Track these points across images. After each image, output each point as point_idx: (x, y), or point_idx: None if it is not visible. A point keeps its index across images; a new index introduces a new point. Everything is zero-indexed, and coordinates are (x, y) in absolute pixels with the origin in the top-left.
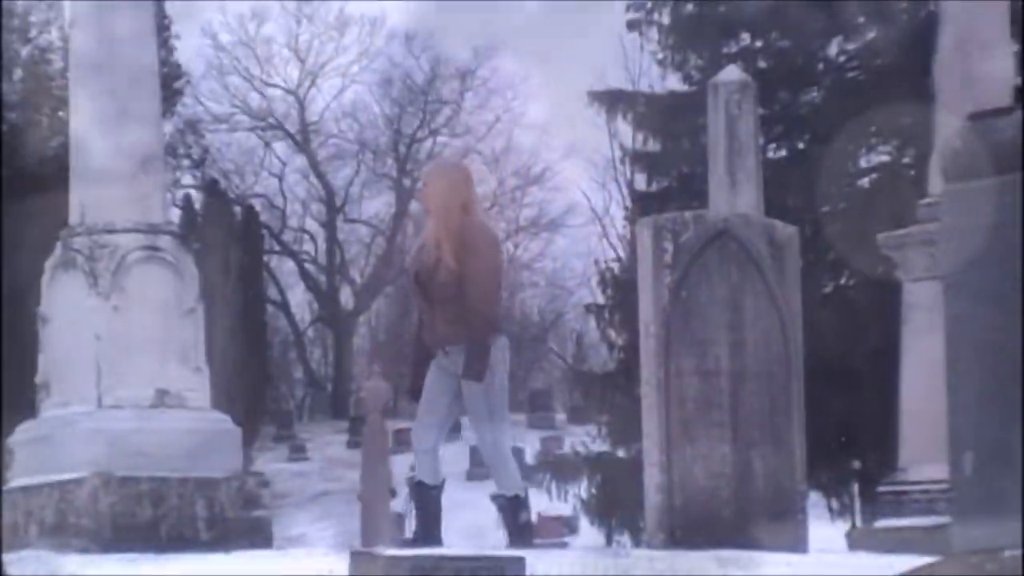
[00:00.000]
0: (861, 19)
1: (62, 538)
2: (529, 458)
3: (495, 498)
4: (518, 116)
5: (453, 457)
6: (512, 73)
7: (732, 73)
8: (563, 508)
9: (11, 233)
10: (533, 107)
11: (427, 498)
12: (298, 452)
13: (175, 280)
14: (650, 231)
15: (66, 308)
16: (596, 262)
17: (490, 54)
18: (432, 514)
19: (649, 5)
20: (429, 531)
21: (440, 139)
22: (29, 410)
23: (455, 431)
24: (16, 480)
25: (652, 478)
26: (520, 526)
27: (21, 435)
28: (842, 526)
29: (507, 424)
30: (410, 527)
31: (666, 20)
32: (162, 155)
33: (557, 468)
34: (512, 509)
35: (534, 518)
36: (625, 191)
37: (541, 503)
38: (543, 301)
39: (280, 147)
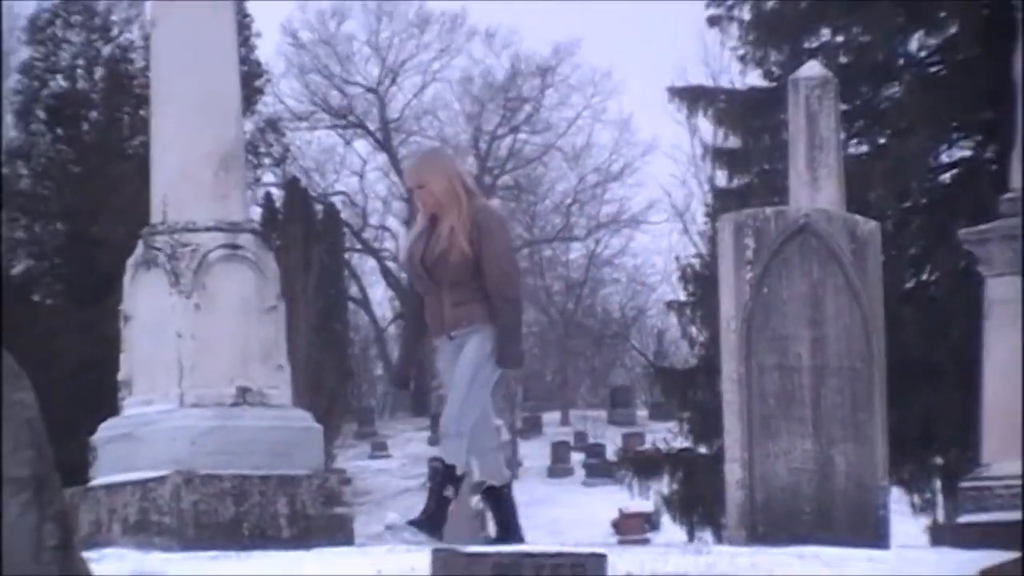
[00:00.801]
0: (942, 13)
1: (145, 536)
2: (610, 454)
3: (433, 460)
4: (598, 112)
5: (534, 453)
6: (592, 70)
7: (813, 69)
8: (644, 505)
9: (93, 231)
10: (613, 103)
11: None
12: (379, 449)
13: (256, 278)
14: (731, 227)
15: (148, 306)
16: (677, 258)
17: (570, 51)
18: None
19: (730, 1)
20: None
21: (520, 136)
22: (111, 408)
23: (536, 428)
24: (99, 478)
25: (733, 474)
26: (442, 498)
27: (104, 433)
28: (924, 522)
29: (482, 401)
30: (491, 525)
31: (747, 16)
32: (243, 153)
33: (638, 465)
34: (442, 478)
35: (615, 514)
36: (706, 187)
37: (622, 500)
38: (624, 298)
39: (361, 145)
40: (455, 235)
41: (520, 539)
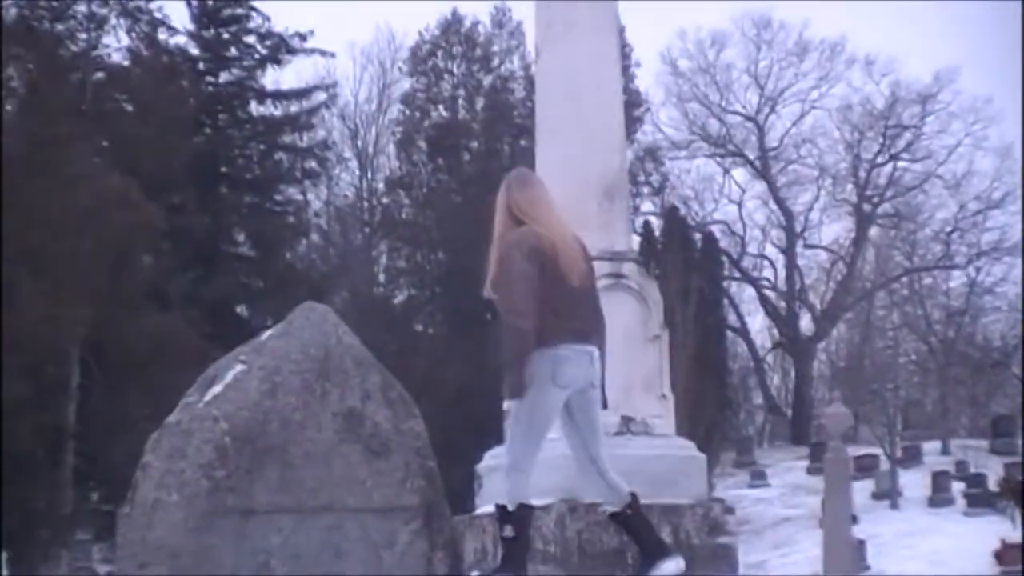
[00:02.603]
0: None
1: (530, 564)
2: (992, 484)
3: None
4: (980, 140)
5: (914, 483)
6: (973, 97)
7: None
8: None
9: (474, 261)
10: (995, 131)
11: (525, 521)
12: (758, 478)
13: (640, 307)
14: None
15: None
16: None
17: (951, 78)
18: (526, 540)
19: None
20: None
21: (900, 164)
22: (494, 435)
23: (916, 457)
24: (484, 506)
25: None
26: (502, 539)
27: (489, 462)
28: None
29: (533, 434)
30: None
31: None
32: (627, 183)
33: (1021, 495)
34: (499, 520)
35: (997, 545)
36: None
37: (1004, 530)
38: (1005, 326)
39: (739, 173)
40: (489, 273)
41: (524, 568)
